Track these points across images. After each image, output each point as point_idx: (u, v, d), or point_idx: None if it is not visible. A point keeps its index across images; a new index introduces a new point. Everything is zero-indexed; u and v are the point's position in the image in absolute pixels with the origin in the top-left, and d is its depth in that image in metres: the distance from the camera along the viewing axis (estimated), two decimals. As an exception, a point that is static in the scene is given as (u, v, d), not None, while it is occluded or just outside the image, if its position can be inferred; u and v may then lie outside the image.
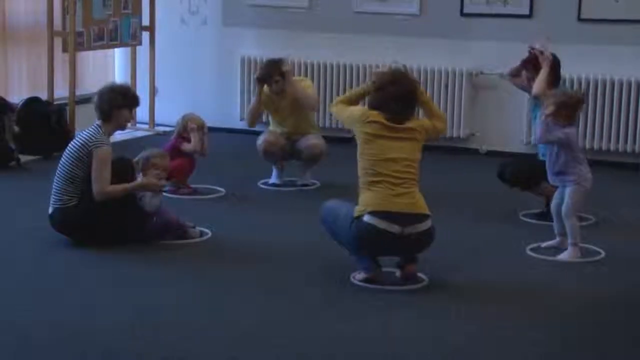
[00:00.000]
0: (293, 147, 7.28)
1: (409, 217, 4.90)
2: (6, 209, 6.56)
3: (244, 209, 6.71)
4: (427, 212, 4.98)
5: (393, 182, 4.93)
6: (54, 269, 5.25)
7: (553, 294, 5.04)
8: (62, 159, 5.67)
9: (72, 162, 5.60)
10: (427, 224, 4.96)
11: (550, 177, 5.75)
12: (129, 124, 6.08)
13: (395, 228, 4.87)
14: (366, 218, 4.90)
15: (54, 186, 5.66)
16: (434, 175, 7.27)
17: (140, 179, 5.76)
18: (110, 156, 5.60)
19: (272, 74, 7.16)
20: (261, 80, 7.20)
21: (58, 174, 5.65)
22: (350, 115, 5.17)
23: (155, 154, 5.95)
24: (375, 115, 5.05)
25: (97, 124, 5.69)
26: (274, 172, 7.34)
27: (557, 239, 5.76)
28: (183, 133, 6.91)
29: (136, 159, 5.86)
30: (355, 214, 4.95)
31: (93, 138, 5.59)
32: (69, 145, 5.70)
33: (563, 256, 5.61)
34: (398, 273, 5.14)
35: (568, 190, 5.64)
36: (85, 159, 5.56)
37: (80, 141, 5.62)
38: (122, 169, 5.71)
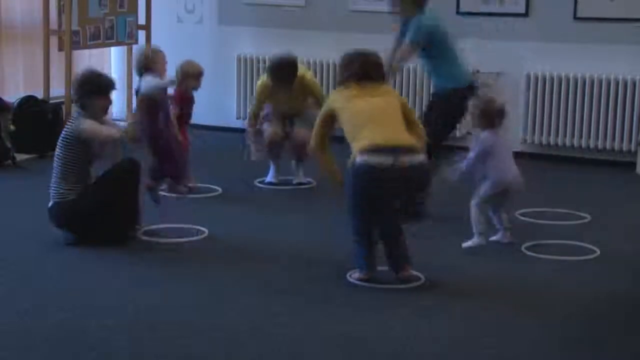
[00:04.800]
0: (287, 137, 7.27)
1: (399, 150, 4.91)
2: (3, 208, 6.56)
3: (240, 207, 6.71)
4: (419, 148, 5.02)
5: (379, 124, 4.99)
6: (54, 269, 5.25)
7: (551, 293, 5.05)
8: (55, 154, 5.71)
9: (63, 154, 5.63)
10: (419, 157, 4.97)
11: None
12: (108, 110, 5.98)
13: (387, 160, 4.85)
14: (358, 159, 4.90)
15: (52, 181, 5.69)
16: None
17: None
18: (94, 123, 5.59)
19: (287, 76, 7.06)
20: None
21: (54, 168, 5.69)
22: (327, 105, 5.18)
23: (155, 51, 6.05)
24: (346, 85, 5.16)
25: (78, 112, 5.70)
26: (271, 170, 7.34)
27: (500, 233, 5.90)
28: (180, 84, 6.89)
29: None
30: (349, 164, 4.97)
31: (72, 125, 5.64)
32: (58, 140, 5.73)
33: (466, 244, 5.75)
34: (394, 276, 5.15)
35: (481, 189, 5.80)
36: (74, 147, 5.58)
37: (64, 133, 5.67)
38: (130, 168, 5.71)
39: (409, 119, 5.18)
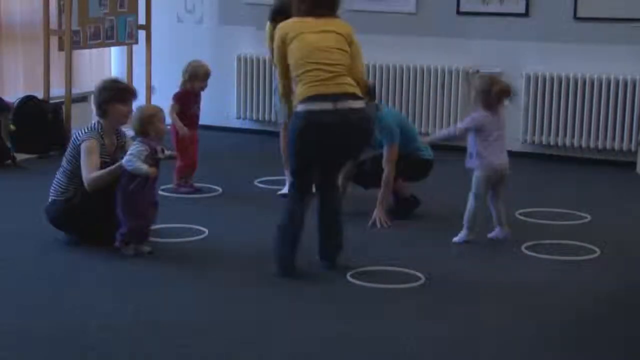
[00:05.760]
0: None
1: (340, 96, 5.02)
2: (3, 208, 6.56)
3: (240, 207, 6.71)
4: (359, 94, 5.10)
5: (324, 70, 5.04)
6: (54, 269, 5.25)
7: (550, 293, 5.05)
8: (65, 154, 5.72)
9: (68, 158, 5.64)
10: (359, 103, 5.08)
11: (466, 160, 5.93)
12: (128, 118, 5.90)
13: (327, 105, 4.98)
14: (299, 107, 5.03)
15: (54, 179, 5.71)
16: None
17: (135, 144, 5.55)
18: (95, 147, 5.56)
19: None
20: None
21: (60, 167, 5.70)
22: (280, 38, 5.12)
23: (151, 113, 5.60)
24: (294, 19, 5.18)
25: (97, 121, 5.71)
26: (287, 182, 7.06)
27: (497, 229, 5.92)
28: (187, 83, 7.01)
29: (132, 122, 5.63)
30: (291, 112, 5.13)
31: (81, 134, 5.63)
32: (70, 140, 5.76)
33: (455, 239, 5.83)
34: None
35: (474, 176, 5.83)
36: (78, 156, 5.59)
37: (72, 138, 5.68)
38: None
39: (352, 57, 5.19)
